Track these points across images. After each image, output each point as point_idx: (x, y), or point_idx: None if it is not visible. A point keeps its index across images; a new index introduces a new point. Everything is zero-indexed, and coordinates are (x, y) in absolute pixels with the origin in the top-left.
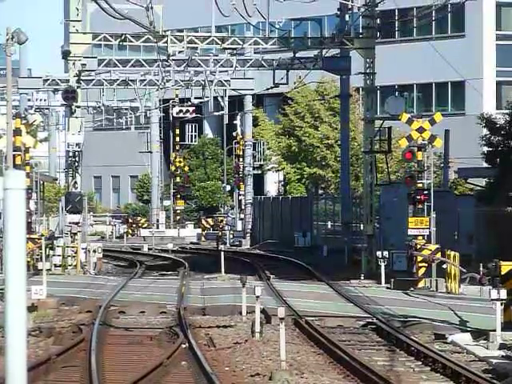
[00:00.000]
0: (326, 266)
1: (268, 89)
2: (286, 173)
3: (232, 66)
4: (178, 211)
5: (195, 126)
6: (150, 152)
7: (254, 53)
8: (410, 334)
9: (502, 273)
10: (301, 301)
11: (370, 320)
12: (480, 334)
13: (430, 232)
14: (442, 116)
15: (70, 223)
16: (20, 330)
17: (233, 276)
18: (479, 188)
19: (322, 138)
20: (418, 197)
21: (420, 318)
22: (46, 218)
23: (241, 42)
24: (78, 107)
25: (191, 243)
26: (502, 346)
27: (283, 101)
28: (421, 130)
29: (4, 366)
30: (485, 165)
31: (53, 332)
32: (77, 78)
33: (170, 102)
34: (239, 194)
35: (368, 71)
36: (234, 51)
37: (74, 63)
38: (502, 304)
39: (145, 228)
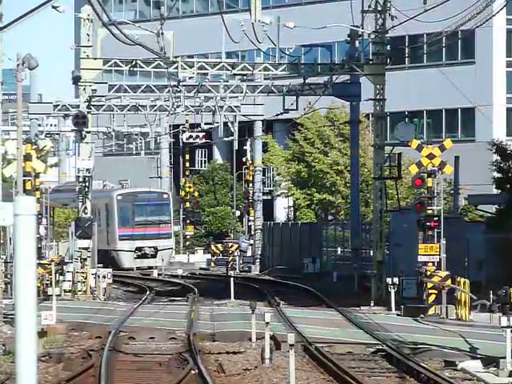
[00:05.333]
0: (335, 292)
1: (278, 115)
2: (296, 198)
3: (242, 92)
4: (188, 237)
5: (205, 152)
6: (160, 177)
7: (264, 79)
8: (419, 360)
9: None
10: (310, 327)
11: (380, 347)
12: (490, 361)
13: (439, 258)
14: (451, 142)
15: (79, 248)
16: (30, 356)
17: (242, 302)
18: (489, 214)
19: (331, 163)
20: (428, 223)
21: (430, 344)
22: (56, 243)
23: (251, 68)
24: (89, 132)
25: (201, 269)
26: (511, 373)
27: (293, 126)
28: (431, 156)
29: None
30: (495, 191)
31: (62, 357)
32: (87, 103)
33: (180, 127)
34: (249, 220)
35: (378, 97)
36: (244, 77)
37: (84, 88)
38: None
39: None
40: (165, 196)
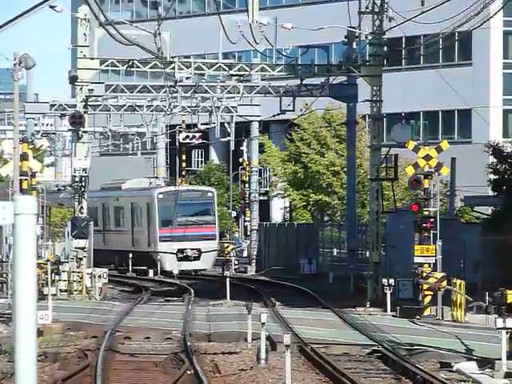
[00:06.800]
0: (331, 293)
1: (275, 115)
2: (292, 199)
3: (239, 93)
4: None
5: (201, 152)
6: (157, 177)
7: (261, 79)
8: (415, 362)
9: (508, 301)
10: (306, 328)
11: (376, 348)
12: (485, 363)
13: (435, 260)
14: (448, 144)
15: (75, 248)
16: (30, 356)
17: (238, 302)
18: (485, 216)
19: (328, 164)
20: (424, 224)
21: (426, 346)
22: (52, 242)
23: (248, 69)
24: (85, 132)
25: None
26: (507, 375)
27: (290, 127)
28: (427, 157)
29: None
30: (491, 193)
31: (58, 357)
32: (84, 103)
33: (177, 127)
34: (245, 220)
35: (375, 99)
36: (241, 78)
37: (81, 88)
38: (507, 333)
39: None
40: (209, 194)
